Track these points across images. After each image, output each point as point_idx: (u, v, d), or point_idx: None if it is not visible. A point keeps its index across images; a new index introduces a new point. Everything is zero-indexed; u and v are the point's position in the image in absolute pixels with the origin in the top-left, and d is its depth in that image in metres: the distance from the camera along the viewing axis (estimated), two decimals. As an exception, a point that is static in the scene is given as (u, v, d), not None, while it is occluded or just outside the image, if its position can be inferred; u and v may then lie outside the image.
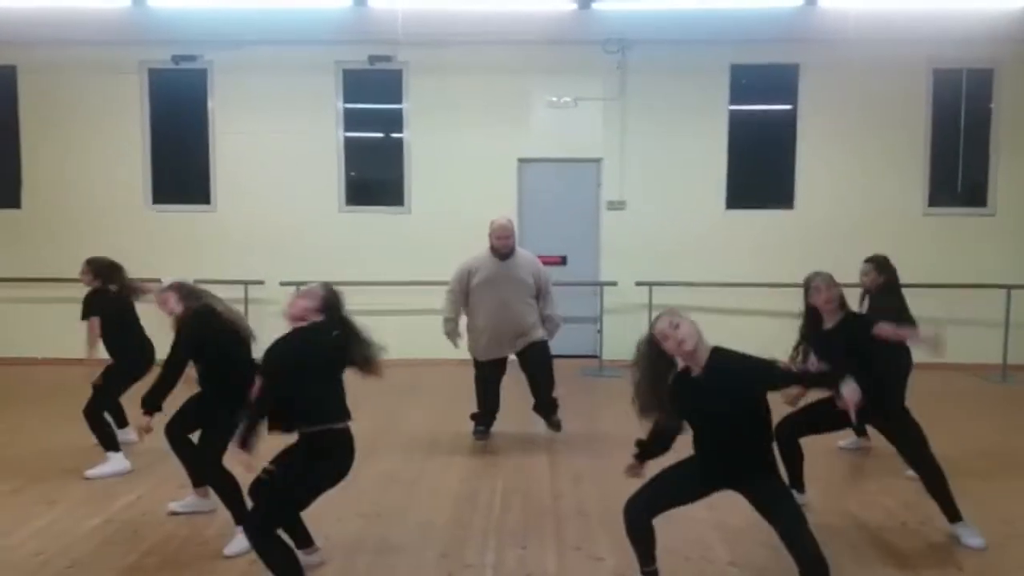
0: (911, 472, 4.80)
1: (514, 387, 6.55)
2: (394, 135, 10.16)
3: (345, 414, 3.61)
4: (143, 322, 6.05)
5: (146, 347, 5.97)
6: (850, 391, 3.28)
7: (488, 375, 6.34)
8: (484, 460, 5.99)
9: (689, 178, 9.93)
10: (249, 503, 3.85)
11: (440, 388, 8.44)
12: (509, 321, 6.13)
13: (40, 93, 9.99)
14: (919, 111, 9.85)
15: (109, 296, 5.95)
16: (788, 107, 10.00)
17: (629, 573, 3.77)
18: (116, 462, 5.62)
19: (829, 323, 4.67)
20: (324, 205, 10.02)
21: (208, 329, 4.47)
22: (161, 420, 4.52)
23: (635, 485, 3.65)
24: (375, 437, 6.15)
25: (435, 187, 9.98)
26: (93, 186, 9.87)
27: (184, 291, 4.67)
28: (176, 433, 4.63)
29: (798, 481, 4.84)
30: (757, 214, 9.98)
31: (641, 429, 3.63)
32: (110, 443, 5.70)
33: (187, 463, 4.71)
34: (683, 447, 3.59)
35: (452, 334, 6.34)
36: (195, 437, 4.61)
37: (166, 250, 9.63)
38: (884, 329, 4.58)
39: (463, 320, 6.36)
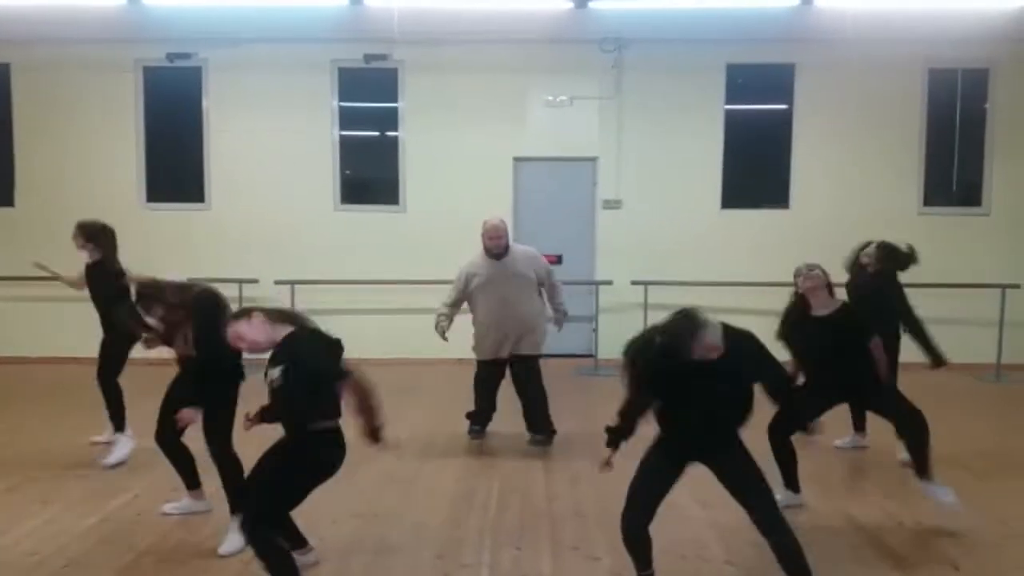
0: (905, 456, 4.93)
1: (513, 388, 6.52)
2: (389, 134, 10.15)
3: (339, 412, 3.60)
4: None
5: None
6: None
7: (488, 376, 6.32)
8: (480, 461, 5.98)
9: (685, 177, 9.93)
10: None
11: (436, 388, 8.43)
12: (512, 318, 6.11)
13: (34, 91, 9.95)
14: (915, 111, 9.87)
15: (107, 271, 5.96)
16: (784, 107, 10.02)
17: (625, 573, 3.76)
18: (125, 443, 5.73)
19: (820, 311, 4.75)
20: (319, 204, 10.00)
21: (217, 313, 4.30)
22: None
23: (620, 487, 3.64)
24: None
25: (430, 186, 9.96)
26: (87, 184, 9.83)
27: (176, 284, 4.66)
28: (168, 439, 4.60)
29: (793, 481, 4.85)
30: (753, 213, 10.00)
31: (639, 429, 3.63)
32: (118, 418, 5.80)
33: (181, 468, 4.69)
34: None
35: (440, 328, 6.24)
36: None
37: (161, 248, 9.58)
38: (877, 348, 4.77)
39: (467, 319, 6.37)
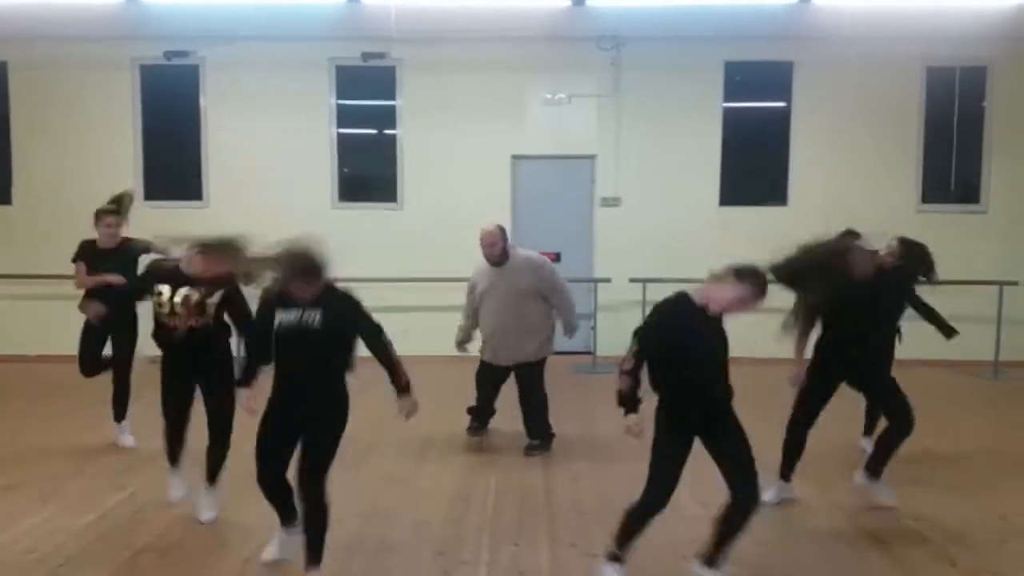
0: (865, 442, 5.39)
1: (513, 386, 6.51)
2: (387, 131, 10.14)
3: None
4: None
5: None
6: None
7: (487, 375, 6.30)
8: (479, 459, 5.98)
9: (683, 175, 9.93)
10: None
11: (435, 386, 8.35)
12: (508, 328, 6.02)
13: (31, 89, 9.93)
14: (912, 109, 9.87)
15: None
16: (782, 104, 10.01)
17: (625, 568, 3.77)
18: (126, 431, 6.01)
19: (862, 276, 4.87)
20: (317, 201, 9.98)
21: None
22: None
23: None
24: (371, 437, 6.14)
25: (428, 184, 9.96)
26: (85, 182, 9.77)
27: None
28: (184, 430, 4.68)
29: (791, 471, 4.96)
30: (751, 211, 9.99)
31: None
32: (121, 408, 5.97)
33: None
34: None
35: (459, 343, 6.30)
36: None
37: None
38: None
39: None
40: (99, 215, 6.06)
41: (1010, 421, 7.38)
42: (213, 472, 4.61)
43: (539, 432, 6.13)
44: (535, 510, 4.87)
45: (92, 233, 6.11)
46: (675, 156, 9.89)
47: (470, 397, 6.42)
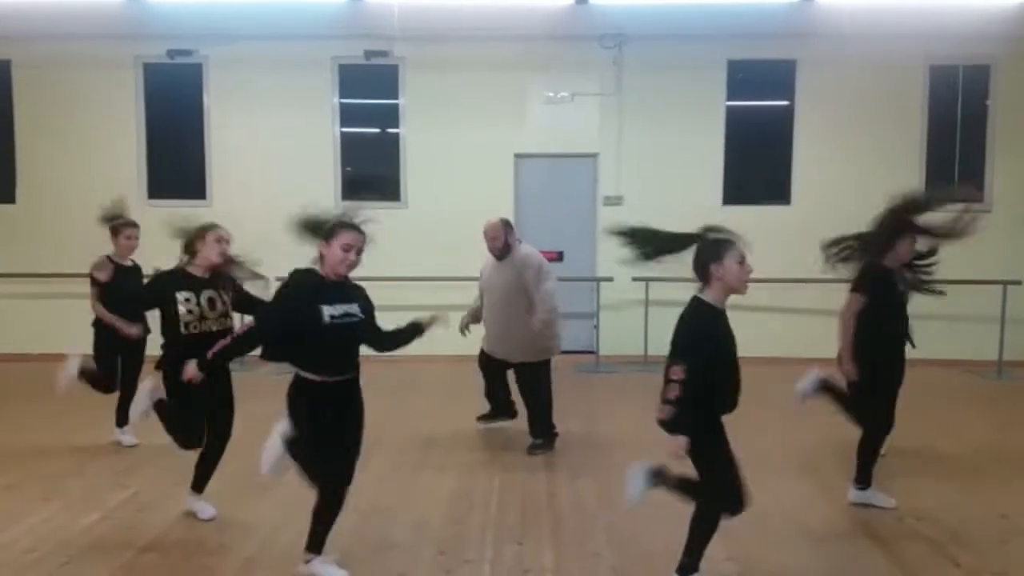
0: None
1: (515, 385, 6.51)
2: (390, 130, 10.14)
3: None
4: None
5: None
6: None
7: (487, 363, 6.34)
8: (482, 458, 5.97)
9: (686, 174, 9.91)
10: None
11: (436, 384, 8.43)
12: (497, 322, 6.07)
13: (35, 88, 9.94)
14: (915, 107, 9.85)
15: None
16: (785, 103, 10.00)
17: (626, 568, 3.76)
18: (127, 430, 6.00)
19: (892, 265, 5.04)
20: (320, 200, 9.85)
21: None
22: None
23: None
24: (372, 434, 6.11)
25: (431, 182, 9.96)
26: (88, 181, 9.81)
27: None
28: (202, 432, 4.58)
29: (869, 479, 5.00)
30: (754, 210, 9.96)
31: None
32: (125, 415, 5.88)
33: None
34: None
35: (462, 324, 6.28)
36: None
37: (161, 245, 9.52)
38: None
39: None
40: (119, 228, 5.95)
41: (1013, 420, 7.36)
42: (206, 480, 4.60)
43: (542, 431, 6.13)
44: (538, 509, 4.86)
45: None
46: (678, 155, 9.87)
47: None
